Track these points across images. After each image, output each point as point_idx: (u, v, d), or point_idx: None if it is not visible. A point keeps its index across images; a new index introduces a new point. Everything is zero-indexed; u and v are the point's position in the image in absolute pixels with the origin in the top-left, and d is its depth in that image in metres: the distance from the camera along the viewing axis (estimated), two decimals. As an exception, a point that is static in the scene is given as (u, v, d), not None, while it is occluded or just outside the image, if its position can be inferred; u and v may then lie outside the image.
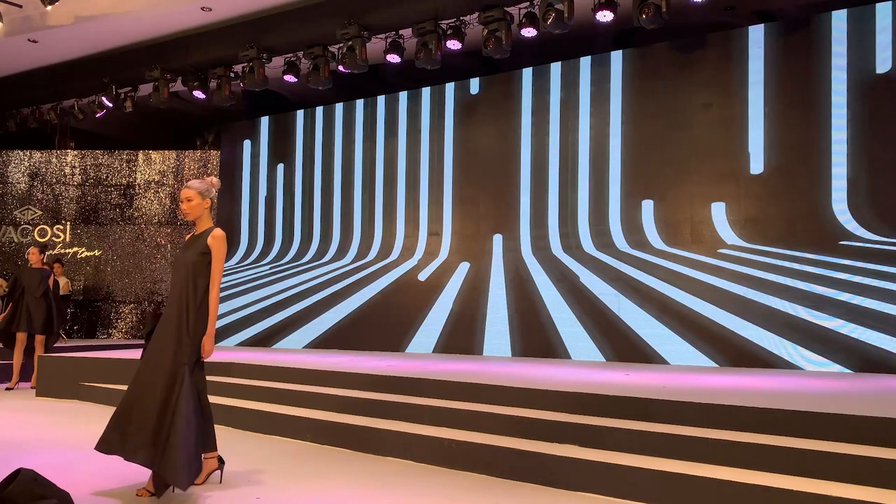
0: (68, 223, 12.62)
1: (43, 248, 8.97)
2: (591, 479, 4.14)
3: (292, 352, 9.98)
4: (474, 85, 10.04)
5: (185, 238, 4.38)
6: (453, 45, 8.63)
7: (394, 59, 8.98)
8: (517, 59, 9.07)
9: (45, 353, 8.67)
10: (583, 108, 9.13)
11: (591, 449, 4.42)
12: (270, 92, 11.07)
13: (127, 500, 3.91)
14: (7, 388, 8.65)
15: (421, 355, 9.34)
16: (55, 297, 8.86)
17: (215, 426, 4.28)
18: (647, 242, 8.51)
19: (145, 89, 10.83)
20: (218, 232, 4.17)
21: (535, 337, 9.04)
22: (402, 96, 10.62)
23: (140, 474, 4.45)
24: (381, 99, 10.82)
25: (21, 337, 8.65)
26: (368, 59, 8.93)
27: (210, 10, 9.50)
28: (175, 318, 3.99)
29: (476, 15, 8.35)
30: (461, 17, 8.54)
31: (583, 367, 7.66)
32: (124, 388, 7.45)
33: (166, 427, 3.77)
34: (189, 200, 4.17)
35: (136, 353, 8.88)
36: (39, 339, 8.72)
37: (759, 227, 7.89)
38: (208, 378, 7.26)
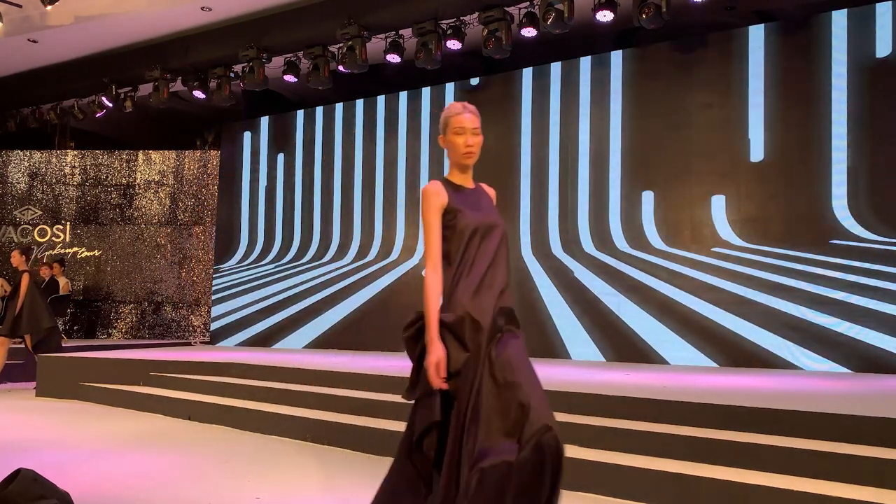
0: (68, 223, 12.62)
1: (24, 250, 8.76)
2: (591, 479, 4.13)
3: (292, 352, 9.98)
4: (474, 84, 10.03)
5: (443, 187, 2.70)
6: (453, 45, 8.63)
7: (394, 59, 8.98)
8: (517, 59, 9.07)
9: (37, 352, 8.53)
10: (583, 108, 9.13)
11: (591, 449, 4.41)
12: (270, 92, 11.08)
13: (127, 500, 3.91)
14: None
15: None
16: (28, 298, 8.52)
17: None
18: (648, 242, 8.51)
19: (145, 89, 10.84)
20: (491, 189, 2.92)
21: (535, 337, 9.04)
22: (402, 96, 10.61)
23: (135, 475, 4.46)
24: (380, 99, 10.82)
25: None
26: (368, 59, 8.93)
27: (210, 10, 9.51)
28: (510, 301, 2.83)
29: (476, 15, 8.35)
30: (461, 17, 8.54)
31: (583, 367, 7.66)
32: (124, 388, 7.54)
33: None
34: (478, 135, 2.72)
35: (135, 353, 8.89)
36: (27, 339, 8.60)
37: (758, 227, 7.88)
38: (207, 378, 7.33)
